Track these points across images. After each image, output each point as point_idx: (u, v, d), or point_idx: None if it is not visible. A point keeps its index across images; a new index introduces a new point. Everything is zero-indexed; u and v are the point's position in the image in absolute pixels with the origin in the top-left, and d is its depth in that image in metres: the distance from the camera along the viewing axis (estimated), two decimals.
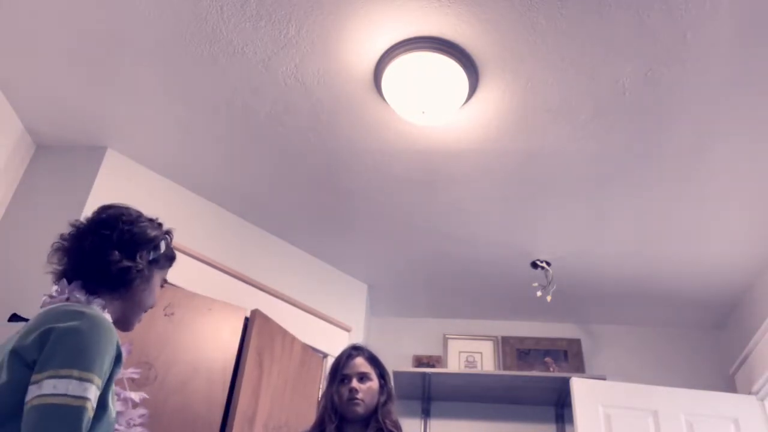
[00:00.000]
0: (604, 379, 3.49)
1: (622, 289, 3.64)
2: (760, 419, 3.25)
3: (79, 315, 1.26)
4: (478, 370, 3.80)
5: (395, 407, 2.05)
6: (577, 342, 3.92)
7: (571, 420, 3.30)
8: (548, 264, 3.43)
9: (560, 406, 3.69)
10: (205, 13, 2.25)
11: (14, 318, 1.45)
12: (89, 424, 1.17)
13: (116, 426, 1.35)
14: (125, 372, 1.45)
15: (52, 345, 1.19)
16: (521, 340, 3.95)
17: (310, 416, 2.54)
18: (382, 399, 2.01)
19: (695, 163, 2.73)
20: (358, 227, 3.34)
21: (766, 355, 3.26)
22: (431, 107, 2.44)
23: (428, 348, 3.95)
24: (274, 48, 2.37)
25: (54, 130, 2.84)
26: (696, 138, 2.61)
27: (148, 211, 1.55)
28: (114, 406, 1.31)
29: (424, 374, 3.57)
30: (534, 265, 3.46)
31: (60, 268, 1.42)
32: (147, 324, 2.24)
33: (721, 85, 2.37)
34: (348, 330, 3.53)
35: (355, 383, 1.99)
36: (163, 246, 1.51)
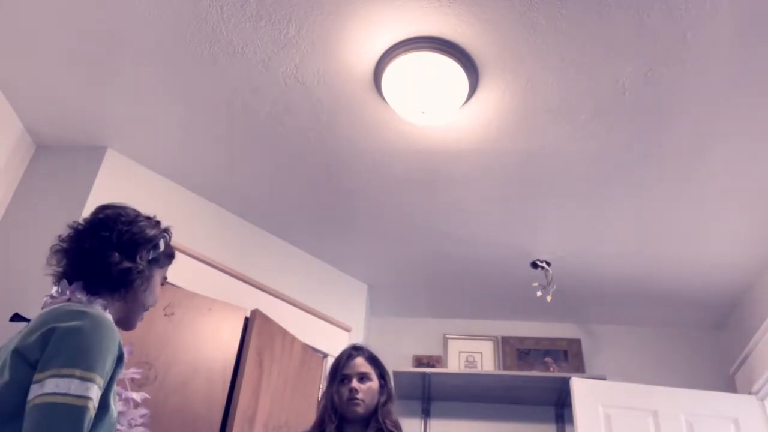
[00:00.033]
0: (604, 379, 3.49)
1: (622, 289, 3.64)
2: (760, 419, 3.25)
3: (82, 315, 1.26)
4: (478, 370, 3.80)
5: (395, 407, 2.05)
6: (577, 342, 3.92)
7: (571, 420, 3.30)
8: (548, 264, 3.43)
9: (560, 406, 3.69)
10: (205, 13, 2.25)
11: (16, 318, 1.44)
12: (91, 424, 1.17)
13: (118, 426, 1.35)
14: (126, 372, 1.45)
15: (55, 344, 1.19)
16: (521, 340, 3.95)
17: (310, 416, 2.54)
18: (382, 399, 2.02)
19: (695, 163, 2.73)
20: (358, 227, 3.33)
21: (766, 355, 3.26)
22: (431, 107, 2.43)
23: (428, 348, 3.95)
24: (274, 48, 2.37)
25: (54, 130, 2.84)
26: (696, 138, 2.61)
27: (148, 212, 1.55)
28: (115, 406, 1.31)
29: (424, 374, 3.57)
30: (534, 265, 3.46)
31: (60, 269, 1.42)
32: (147, 324, 2.24)
33: (721, 85, 2.37)
34: (348, 330, 3.53)
35: (355, 383, 1.99)
36: (162, 244, 1.51)
